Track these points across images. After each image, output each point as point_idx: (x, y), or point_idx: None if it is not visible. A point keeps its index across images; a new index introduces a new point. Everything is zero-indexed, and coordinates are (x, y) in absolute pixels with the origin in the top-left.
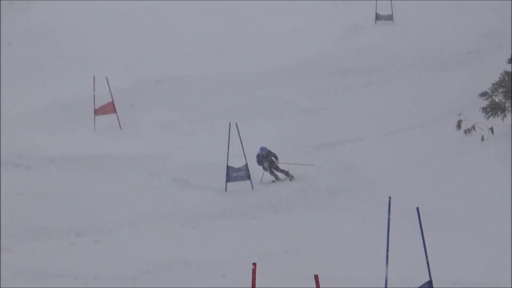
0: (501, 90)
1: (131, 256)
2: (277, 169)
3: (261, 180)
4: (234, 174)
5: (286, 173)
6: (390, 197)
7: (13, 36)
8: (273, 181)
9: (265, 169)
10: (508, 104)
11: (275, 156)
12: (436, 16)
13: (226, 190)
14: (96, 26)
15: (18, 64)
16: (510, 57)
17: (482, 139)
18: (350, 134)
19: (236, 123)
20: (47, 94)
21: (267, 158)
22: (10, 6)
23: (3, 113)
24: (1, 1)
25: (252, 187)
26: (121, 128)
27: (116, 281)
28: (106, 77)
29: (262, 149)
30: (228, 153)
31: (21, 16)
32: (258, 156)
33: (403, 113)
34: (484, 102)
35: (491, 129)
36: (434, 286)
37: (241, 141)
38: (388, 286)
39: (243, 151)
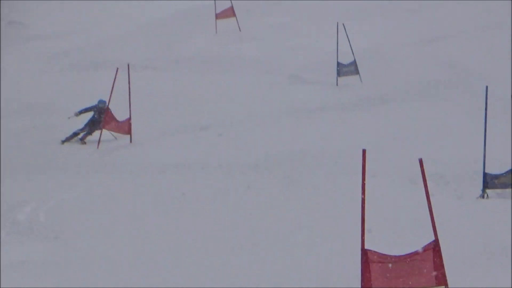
0: None
1: (252, 147)
2: None
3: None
4: (344, 69)
5: None
6: (487, 86)
7: None
8: None
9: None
10: None
11: None
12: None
13: (337, 85)
14: None
15: None
16: None
17: None
18: (451, 30)
19: (343, 24)
20: (171, 4)
21: None
22: None
23: (132, 21)
24: None
25: (361, 80)
26: (240, 30)
27: (238, 169)
28: None
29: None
30: (337, 51)
31: None
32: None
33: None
34: None
35: None
36: None
37: (348, 40)
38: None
39: (351, 49)
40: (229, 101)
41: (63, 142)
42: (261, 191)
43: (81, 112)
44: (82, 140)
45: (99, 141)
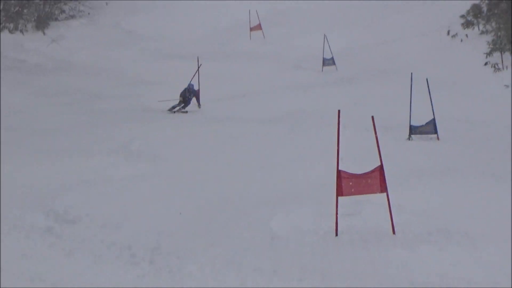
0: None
1: (269, 107)
2: None
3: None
4: (326, 62)
5: None
6: (412, 73)
7: None
8: None
9: None
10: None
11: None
12: None
13: (322, 71)
14: None
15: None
16: None
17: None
18: (398, 35)
19: (325, 34)
20: (225, 19)
21: None
22: None
23: (202, 29)
24: None
25: (337, 69)
26: (264, 37)
27: (262, 121)
28: (256, 10)
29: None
30: (323, 50)
31: None
32: None
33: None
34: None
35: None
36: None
37: (329, 44)
38: None
39: (330, 49)
40: (257, 79)
41: (169, 110)
42: (275, 134)
43: (173, 107)
44: (179, 111)
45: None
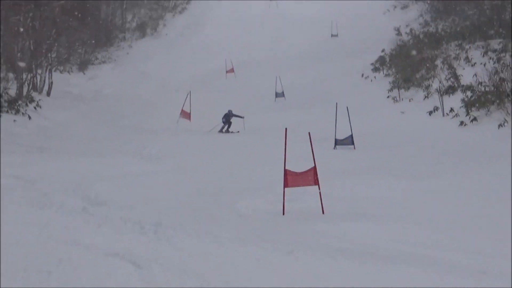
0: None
1: (238, 125)
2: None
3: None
4: (277, 94)
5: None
6: (336, 103)
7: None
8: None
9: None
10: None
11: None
12: None
13: (275, 101)
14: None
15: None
16: None
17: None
18: (327, 76)
19: (278, 76)
20: (207, 66)
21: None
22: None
23: (180, 76)
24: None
25: (285, 99)
26: (235, 77)
27: (231, 134)
28: (230, 59)
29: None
30: (275, 87)
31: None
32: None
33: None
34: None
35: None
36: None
37: (281, 82)
38: None
39: (281, 85)
40: (229, 106)
41: (219, 132)
42: (243, 143)
43: (222, 130)
44: (227, 131)
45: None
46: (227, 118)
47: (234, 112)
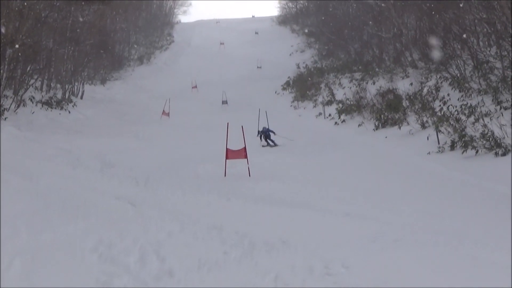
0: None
1: (197, 121)
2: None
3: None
4: (224, 102)
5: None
6: (259, 109)
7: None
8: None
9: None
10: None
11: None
12: None
13: (222, 106)
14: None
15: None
16: None
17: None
18: (255, 94)
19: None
20: (178, 83)
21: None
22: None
23: (163, 89)
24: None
25: (228, 105)
26: (198, 91)
27: (195, 127)
28: (195, 79)
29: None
30: (222, 95)
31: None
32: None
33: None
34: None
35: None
36: None
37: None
38: None
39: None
40: (194, 109)
41: (263, 146)
42: (201, 132)
43: (260, 135)
44: (269, 145)
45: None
46: (266, 135)
47: (266, 129)
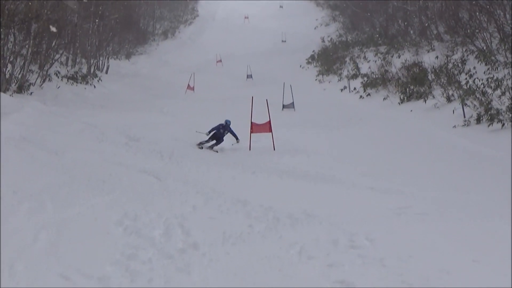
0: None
1: (222, 94)
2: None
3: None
4: (248, 76)
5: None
6: (284, 82)
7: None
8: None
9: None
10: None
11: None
12: None
13: (246, 80)
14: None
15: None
16: None
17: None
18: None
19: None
20: (203, 58)
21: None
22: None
23: (188, 64)
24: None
25: (253, 79)
26: (222, 65)
27: (219, 101)
28: (219, 53)
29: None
30: (247, 70)
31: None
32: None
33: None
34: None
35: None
36: None
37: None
38: None
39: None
40: (218, 83)
41: (198, 146)
42: (224, 107)
43: (210, 132)
44: (210, 148)
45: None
46: (220, 132)
47: (231, 127)
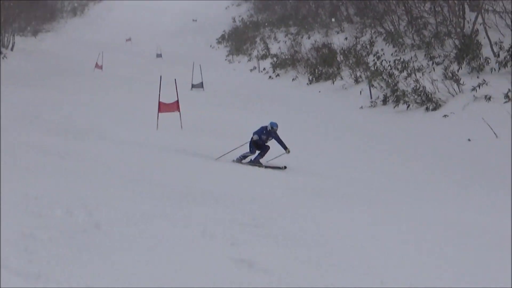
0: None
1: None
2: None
3: None
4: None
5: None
6: (193, 61)
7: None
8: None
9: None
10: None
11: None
12: None
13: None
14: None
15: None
16: None
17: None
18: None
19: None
20: (111, 36)
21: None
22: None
23: (96, 41)
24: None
25: (161, 58)
26: (132, 43)
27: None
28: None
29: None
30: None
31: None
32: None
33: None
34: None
35: None
36: None
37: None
38: None
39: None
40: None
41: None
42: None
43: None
44: (255, 163)
45: None
46: (262, 139)
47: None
